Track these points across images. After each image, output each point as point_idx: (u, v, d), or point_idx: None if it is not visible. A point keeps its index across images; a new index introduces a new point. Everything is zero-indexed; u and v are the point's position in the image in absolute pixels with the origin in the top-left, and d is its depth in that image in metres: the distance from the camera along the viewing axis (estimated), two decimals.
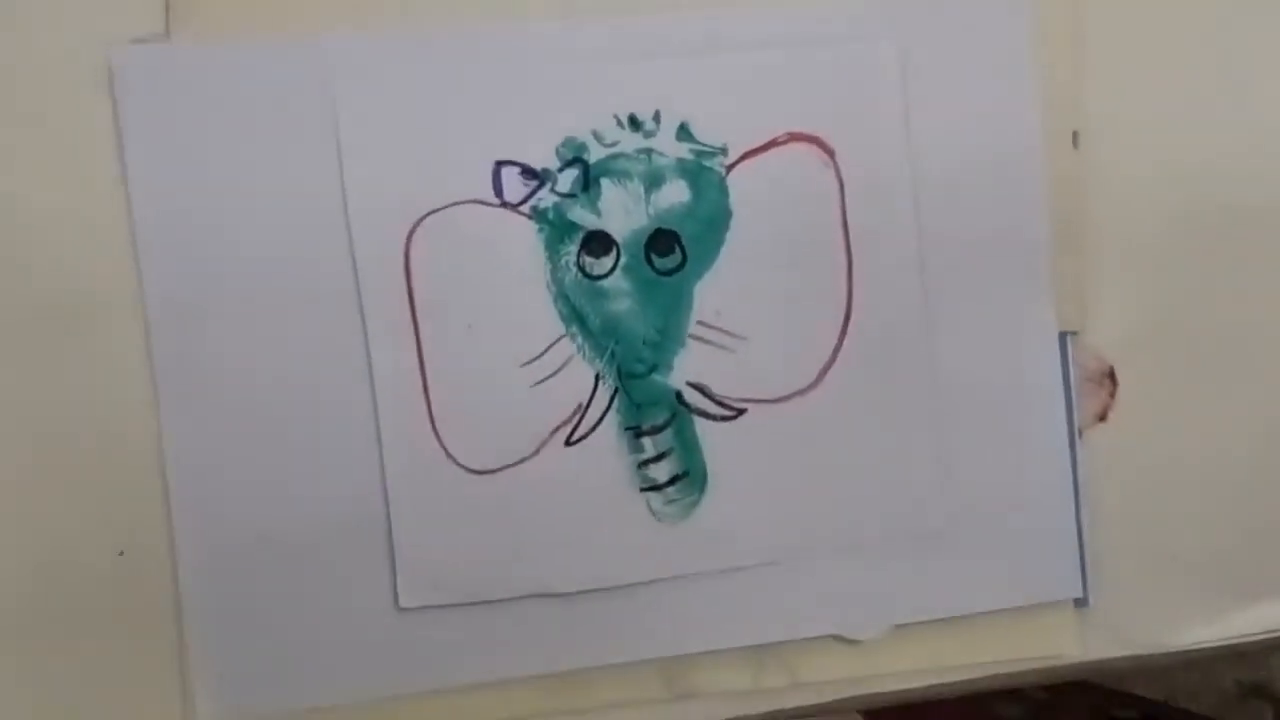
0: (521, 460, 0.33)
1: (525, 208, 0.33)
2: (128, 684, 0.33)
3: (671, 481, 0.34)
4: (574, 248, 0.33)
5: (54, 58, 0.32)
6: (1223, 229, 0.37)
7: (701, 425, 0.34)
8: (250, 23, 0.32)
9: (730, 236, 0.34)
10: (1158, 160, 0.36)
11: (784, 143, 0.34)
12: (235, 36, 0.32)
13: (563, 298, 0.33)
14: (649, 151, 0.33)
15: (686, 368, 0.34)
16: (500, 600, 0.34)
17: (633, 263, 0.33)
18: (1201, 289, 0.37)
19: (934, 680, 0.36)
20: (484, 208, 0.33)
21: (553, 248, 0.33)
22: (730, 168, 0.34)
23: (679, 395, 0.34)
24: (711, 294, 0.34)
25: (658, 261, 0.34)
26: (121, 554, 0.32)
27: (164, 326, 0.32)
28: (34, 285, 0.32)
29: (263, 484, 0.32)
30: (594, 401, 0.34)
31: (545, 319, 0.33)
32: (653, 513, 0.34)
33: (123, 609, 0.32)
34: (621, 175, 0.33)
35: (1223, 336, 0.37)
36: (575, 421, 0.34)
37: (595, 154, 0.33)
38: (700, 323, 0.34)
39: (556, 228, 0.33)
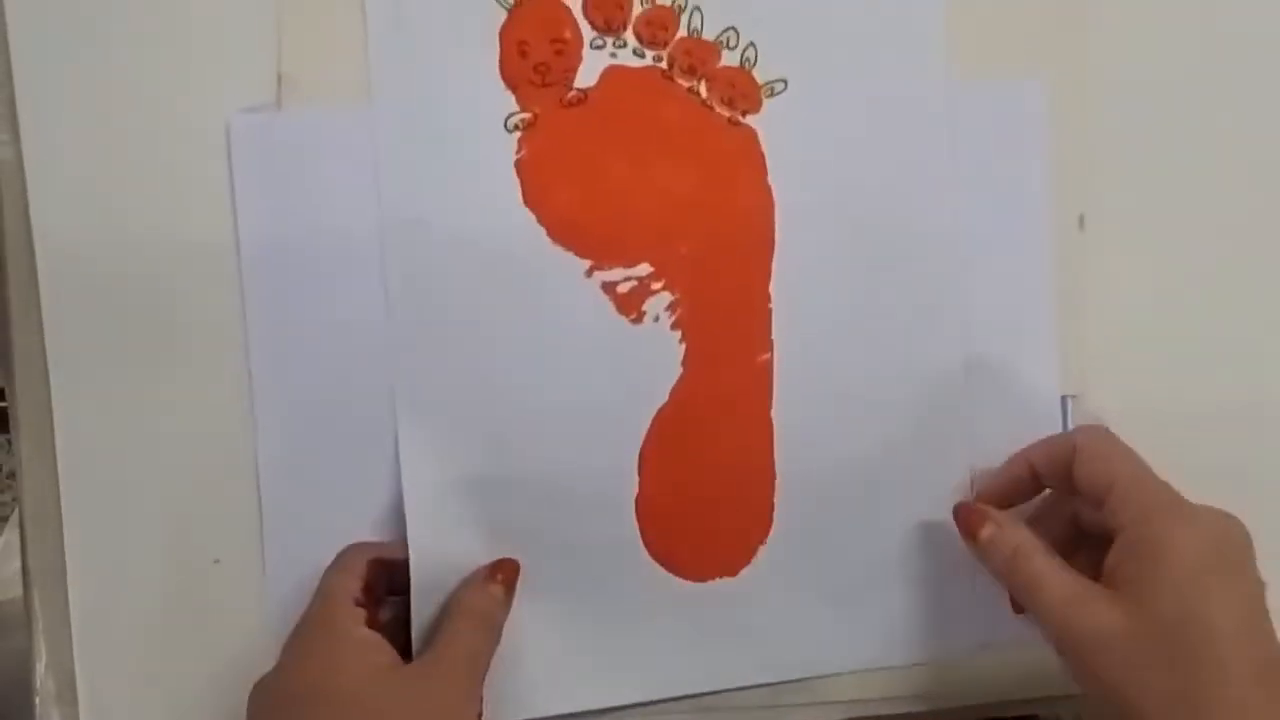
0: None
1: None
2: (218, 667, 0.37)
3: None
4: None
5: (180, 120, 0.36)
6: (1204, 310, 0.40)
7: None
8: (345, 95, 0.36)
9: None
10: (1155, 244, 0.40)
11: None
12: (333, 106, 0.36)
13: None
14: None
15: None
16: None
17: None
18: (1188, 361, 0.40)
19: (931, 705, 0.40)
20: None
21: None
22: None
23: None
24: None
25: None
26: (217, 562, 0.37)
27: (263, 355, 0.36)
28: (149, 316, 0.36)
29: (338, 509, 0.36)
30: None
31: None
32: None
33: (218, 607, 0.37)
34: None
35: (1203, 402, 0.41)
36: None
37: None
38: None
39: None
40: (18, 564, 0.38)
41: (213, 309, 0.36)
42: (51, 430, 0.36)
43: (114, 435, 0.36)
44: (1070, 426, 0.40)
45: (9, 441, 0.37)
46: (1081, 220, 0.40)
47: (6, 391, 0.37)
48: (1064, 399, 0.40)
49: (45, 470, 0.36)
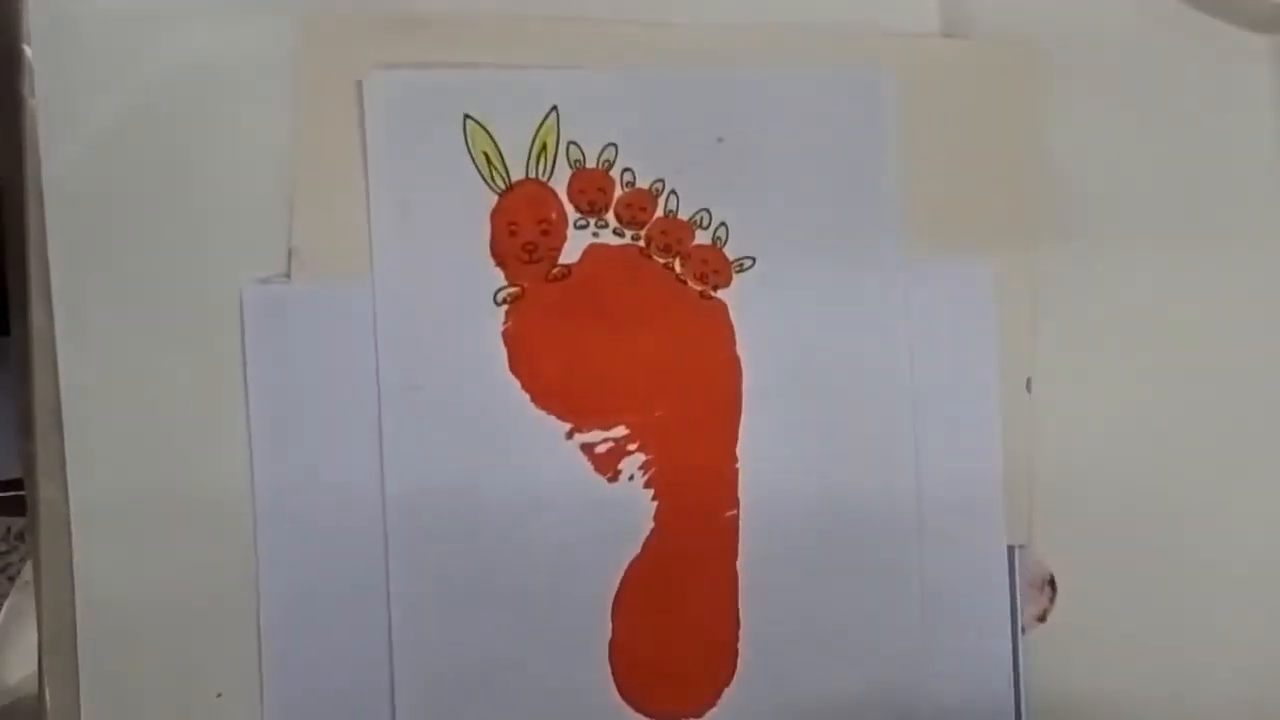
0: None
1: None
2: None
3: None
4: None
5: (196, 291, 0.39)
6: (1145, 465, 0.43)
7: None
8: (349, 269, 0.39)
9: None
10: (1098, 405, 0.43)
11: None
12: (338, 279, 0.39)
13: None
14: None
15: None
16: None
17: None
18: (1129, 514, 0.43)
19: None
20: None
21: None
22: None
23: None
24: None
25: None
26: (219, 696, 0.39)
27: (268, 508, 0.39)
28: (162, 471, 0.39)
29: (336, 645, 0.39)
30: None
31: None
32: None
33: None
34: None
35: (1146, 552, 0.43)
36: None
37: None
38: None
39: None
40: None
41: (223, 463, 0.39)
42: (71, 573, 0.39)
43: (128, 577, 0.39)
44: (1017, 575, 0.43)
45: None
46: (1029, 383, 0.43)
47: (29, 531, 0.40)
48: (1011, 549, 0.42)
49: (64, 607, 0.39)
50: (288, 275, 0.39)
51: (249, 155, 0.39)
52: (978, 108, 0.42)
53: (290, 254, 0.39)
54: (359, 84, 0.39)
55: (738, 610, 0.41)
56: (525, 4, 0.40)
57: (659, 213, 0.40)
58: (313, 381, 0.39)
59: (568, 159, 0.40)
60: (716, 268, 0.41)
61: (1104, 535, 0.43)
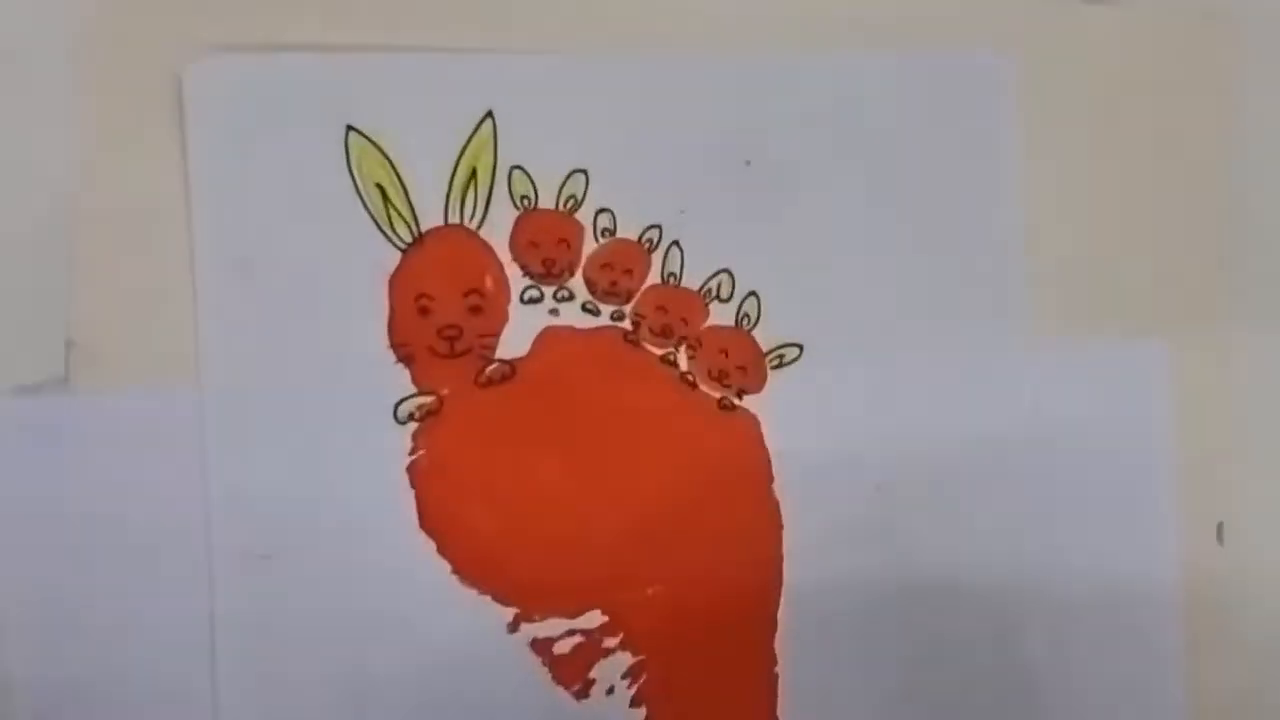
0: None
1: None
2: None
3: None
4: None
5: None
6: None
7: None
8: (161, 369, 0.26)
9: None
10: None
11: None
12: (141, 384, 0.26)
13: None
14: None
15: None
16: None
17: None
18: None
19: None
20: None
21: None
22: None
23: None
24: None
25: None
26: None
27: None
28: None
29: None
30: None
31: None
32: None
33: None
34: None
35: None
36: None
37: None
38: None
39: None
40: None
41: None
42: None
43: None
44: None
45: None
46: (1220, 530, 0.30)
47: None
48: None
49: None
50: (64, 379, 0.26)
51: (10, 189, 0.27)
52: (1141, 107, 0.30)
53: (68, 347, 0.26)
54: (178, 77, 0.27)
55: None
56: None
57: (654, 278, 0.28)
58: (102, 543, 0.26)
59: (511, 194, 0.27)
60: (742, 362, 0.28)
61: None
